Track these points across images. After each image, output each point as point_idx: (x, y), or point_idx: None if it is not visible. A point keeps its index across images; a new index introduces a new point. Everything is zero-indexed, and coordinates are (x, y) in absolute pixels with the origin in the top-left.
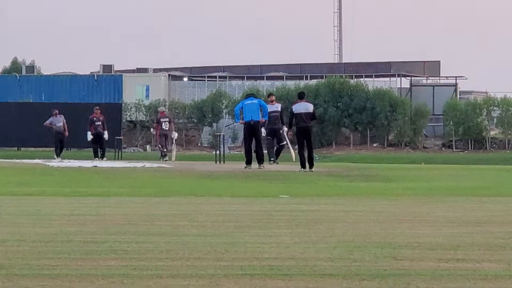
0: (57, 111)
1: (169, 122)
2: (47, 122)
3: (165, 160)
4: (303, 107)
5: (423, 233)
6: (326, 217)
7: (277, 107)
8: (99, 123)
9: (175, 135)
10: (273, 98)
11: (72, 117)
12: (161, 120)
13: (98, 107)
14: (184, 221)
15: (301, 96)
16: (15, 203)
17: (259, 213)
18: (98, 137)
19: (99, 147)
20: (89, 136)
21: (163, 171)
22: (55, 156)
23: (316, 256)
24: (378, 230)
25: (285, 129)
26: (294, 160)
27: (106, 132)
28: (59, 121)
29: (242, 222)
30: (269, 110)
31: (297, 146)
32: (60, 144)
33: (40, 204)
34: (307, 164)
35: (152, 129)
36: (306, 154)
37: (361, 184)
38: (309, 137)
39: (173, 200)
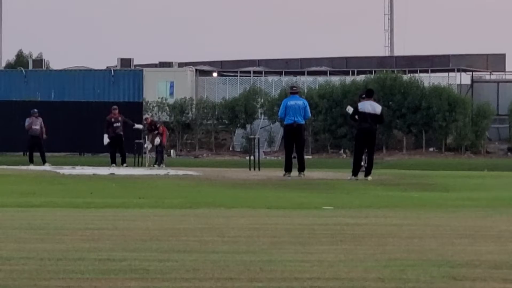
0: (37, 113)
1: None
2: (27, 124)
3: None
4: (371, 107)
5: (486, 249)
6: (376, 232)
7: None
8: (118, 124)
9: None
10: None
11: (86, 117)
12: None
13: (116, 107)
14: (214, 236)
15: (369, 94)
16: (21, 216)
17: (299, 227)
18: (116, 140)
19: (118, 152)
20: (106, 140)
21: (190, 179)
22: (30, 163)
23: (364, 276)
24: (434, 246)
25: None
26: None
27: (138, 124)
28: (36, 124)
29: (280, 238)
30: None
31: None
32: (37, 149)
33: (49, 217)
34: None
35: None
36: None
37: (415, 194)
38: (372, 141)
39: (201, 213)
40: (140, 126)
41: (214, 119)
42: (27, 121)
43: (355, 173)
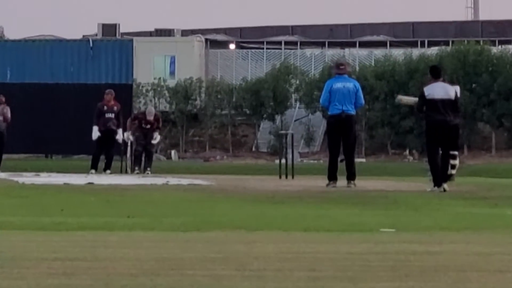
0: (3, 99)
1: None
2: None
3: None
4: (442, 90)
5: None
6: (454, 263)
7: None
8: (111, 115)
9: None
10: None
11: (55, 105)
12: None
13: (110, 91)
14: (231, 270)
15: (436, 73)
16: None
17: (348, 256)
18: (105, 137)
19: (104, 153)
20: (95, 134)
21: (198, 191)
22: None
23: None
24: None
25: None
26: None
27: (120, 132)
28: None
29: (321, 271)
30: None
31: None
32: None
33: (4, 243)
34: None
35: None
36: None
37: (508, 211)
38: (449, 137)
39: (213, 237)
40: (120, 139)
41: (231, 108)
42: None
43: (437, 182)
